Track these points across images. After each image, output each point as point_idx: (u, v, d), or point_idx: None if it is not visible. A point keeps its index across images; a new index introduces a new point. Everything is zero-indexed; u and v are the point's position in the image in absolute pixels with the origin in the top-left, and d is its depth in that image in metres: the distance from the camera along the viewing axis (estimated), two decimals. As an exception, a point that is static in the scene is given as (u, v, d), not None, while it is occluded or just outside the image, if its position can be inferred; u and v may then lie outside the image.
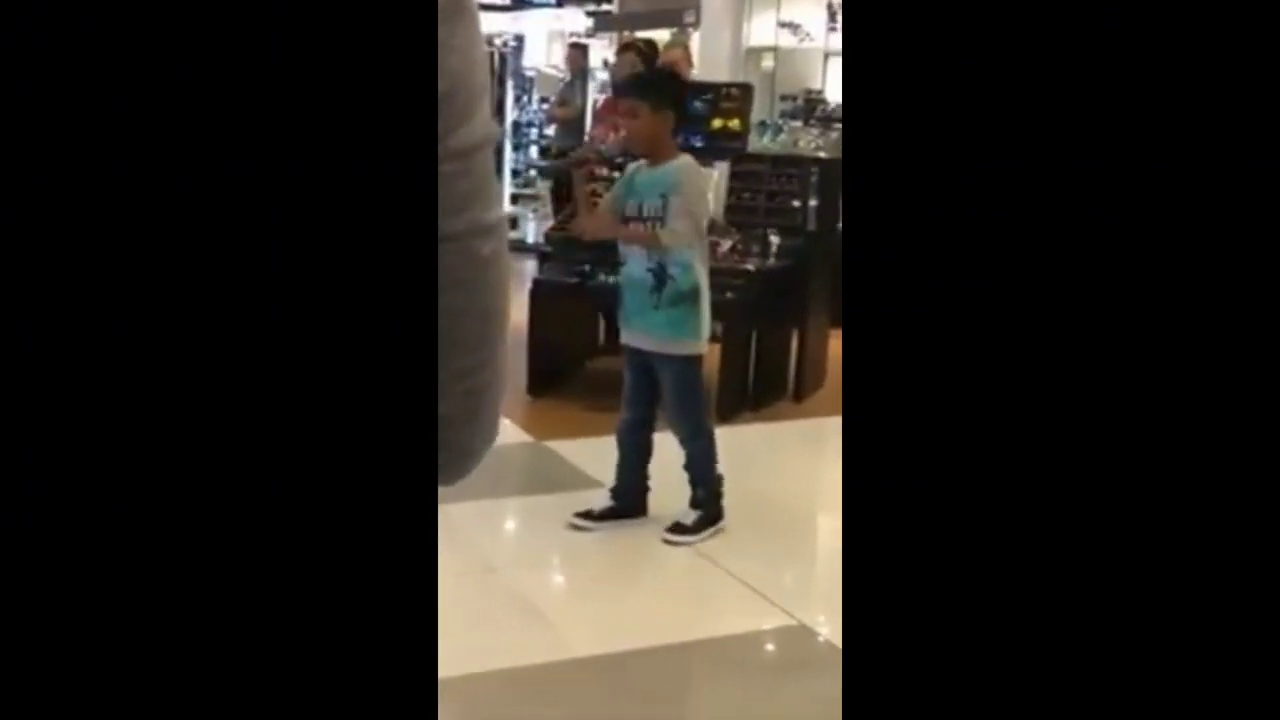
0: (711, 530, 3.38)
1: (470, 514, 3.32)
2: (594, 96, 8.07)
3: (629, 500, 3.45)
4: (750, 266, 4.61)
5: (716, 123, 4.89)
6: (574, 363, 5.18)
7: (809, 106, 9.86)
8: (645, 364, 3.36)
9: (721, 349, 4.29)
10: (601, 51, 10.26)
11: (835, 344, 5.01)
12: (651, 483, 3.47)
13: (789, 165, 5.20)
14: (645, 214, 3.28)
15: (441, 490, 0.59)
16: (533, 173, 10.18)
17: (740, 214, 4.94)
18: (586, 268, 4.58)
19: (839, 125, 7.06)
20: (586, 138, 6.25)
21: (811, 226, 4.96)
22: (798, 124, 7.98)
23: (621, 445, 3.45)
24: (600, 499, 3.48)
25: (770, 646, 2.93)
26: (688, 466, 3.40)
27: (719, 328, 3.99)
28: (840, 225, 4.83)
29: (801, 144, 6.20)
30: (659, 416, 3.43)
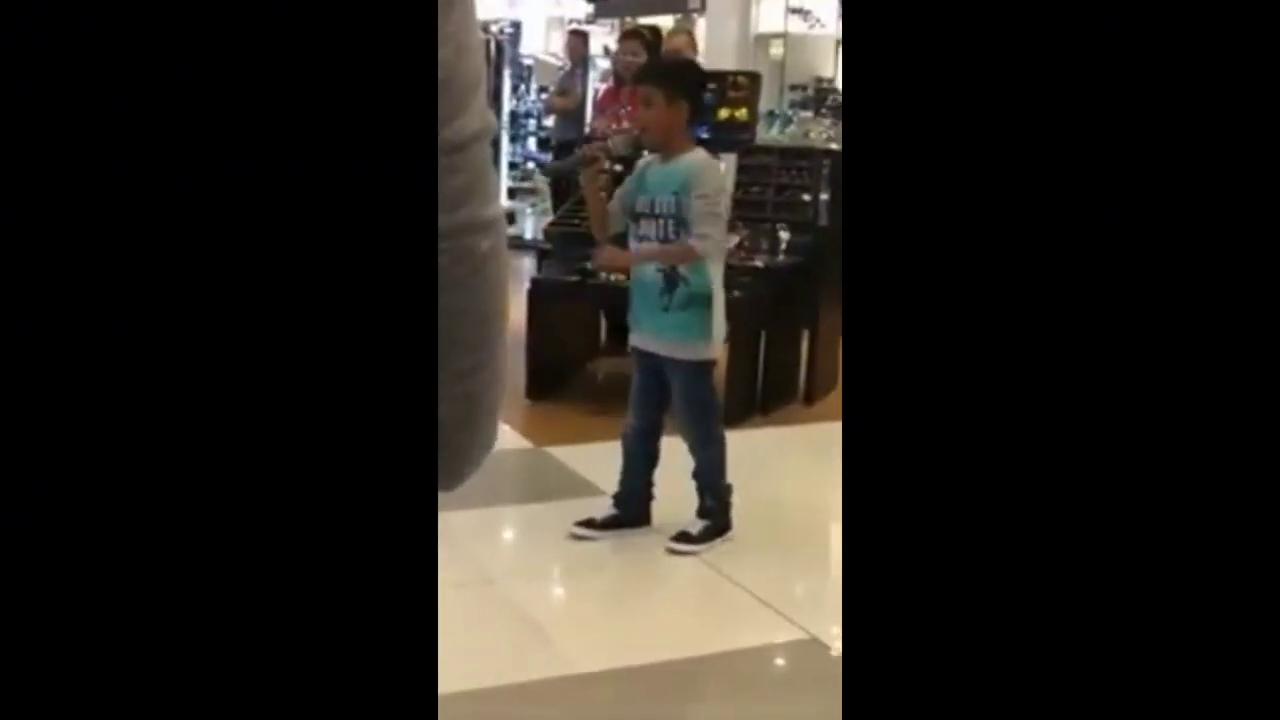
0: (718, 541, 3.37)
1: (467, 523, 3.31)
2: (595, 86, 8.06)
3: (632, 508, 3.44)
4: (758, 264, 4.60)
5: (723, 113, 4.88)
6: (574, 365, 5.18)
7: (820, 96, 9.86)
8: (654, 368, 3.34)
9: (729, 350, 4.30)
10: (602, 39, 10.26)
11: (848, 345, 4.99)
12: (656, 490, 3.46)
13: (799, 157, 5.20)
14: (658, 211, 3.25)
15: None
16: (531, 166, 10.19)
17: (748, 209, 4.92)
18: (587, 266, 4.58)
19: (852, 115, 7.02)
20: (588, 129, 6.26)
21: (823, 221, 4.93)
22: (808, 114, 7.99)
23: (627, 451, 3.44)
24: (602, 507, 3.47)
25: (781, 661, 2.92)
26: (696, 474, 3.39)
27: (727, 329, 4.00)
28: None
29: (812, 135, 6.21)
30: (666, 423, 3.42)
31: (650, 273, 3.29)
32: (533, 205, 9.50)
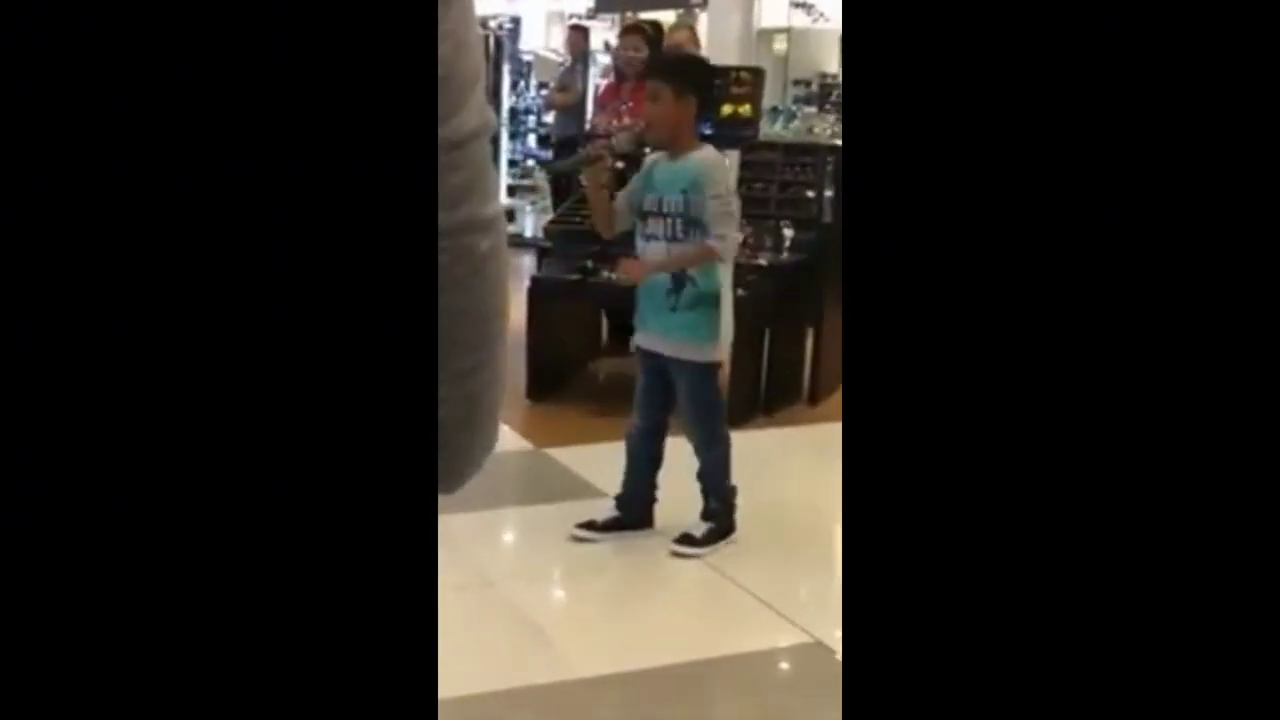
0: (722, 543, 3.38)
1: (466, 525, 3.32)
2: (595, 82, 8.07)
3: (634, 510, 3.45)
4: (762, 261, 4.61)
5: (726, 109, 4.89)
6: (575, 365, 5.18)
7: (824, 91, 9.87)
8: (660, 368, 3.34)
9: (732, 349, 4.30)
10: (603, 34, 10.26)
11: (853, 344, 4.99)
12: (659, 492, 3.47)
13: (803, 154, 5.21)
14: (665, 210, 3.24)
15: (437, 500, 0.60)
16: (531, 163, 10.19)
17: (752, 206, 4.91)
18: (588, 264, 4.58)
19: (856, 111, 7.02)
20: (588, 126, 6.26)
21: (827, 218, 4.95)
22: (812, 110, 8.00)
23: (630, 453, 3.44)
24: (603, 509, 3.48)
25: (785, 665, 2.93)
26: (700, 476, 3.39)
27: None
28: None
29: (816, 131, 6.22)
30: (671, 424, 3.41)
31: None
32: (532, 203, 9.51)
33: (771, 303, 4.53)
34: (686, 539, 3.36)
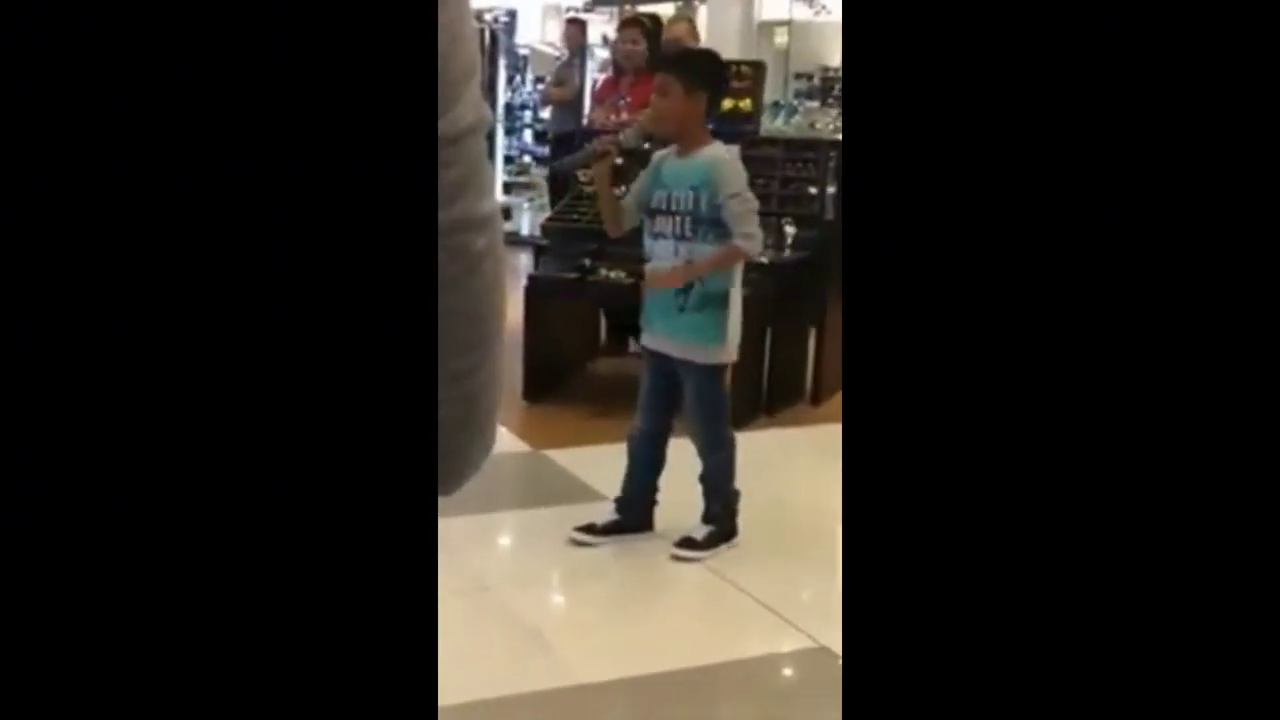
0: (723, 547, 3.38)
1: (462, 529, 3.32)
2: (593, 76, 8.07)
3: (634, 513, 3.45)
4: (763, 259, 4.59)
5: (726, 104, 4.87)
6: (574, 365, 5.19)
7: (826, 85, 9.87)
8: (666, 369, 3.32)
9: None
10: (601, 27, 10.26)
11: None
12: (660, 495, 3.47)
13: (805, 149, 5.20)
14: (674, 208, 3.22)
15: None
16: (527, 159, 10.18)
17: (752, 203, 4.93)
18: (586, 262, 4.58)
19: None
20: (586, 121, 6.26)
21: (829, 215, 4.95)
22: (814, 104, 7.99)
23: (632, 455, 3.43)
24: (603, 512, 3.48)
25: (788, 671, 2.94)
26: (704, 478, 3.38)
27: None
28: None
29: (818, 126, 6.20)
30: (675, 426, 3.41)
31: (665, 269, 3.26)
32: (529, 200, 9.50)
33: (773, 301, 4.53)
34: (687, 543, 3.36)
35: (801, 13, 10.68)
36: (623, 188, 3.55)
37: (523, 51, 11.13)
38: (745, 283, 4.17)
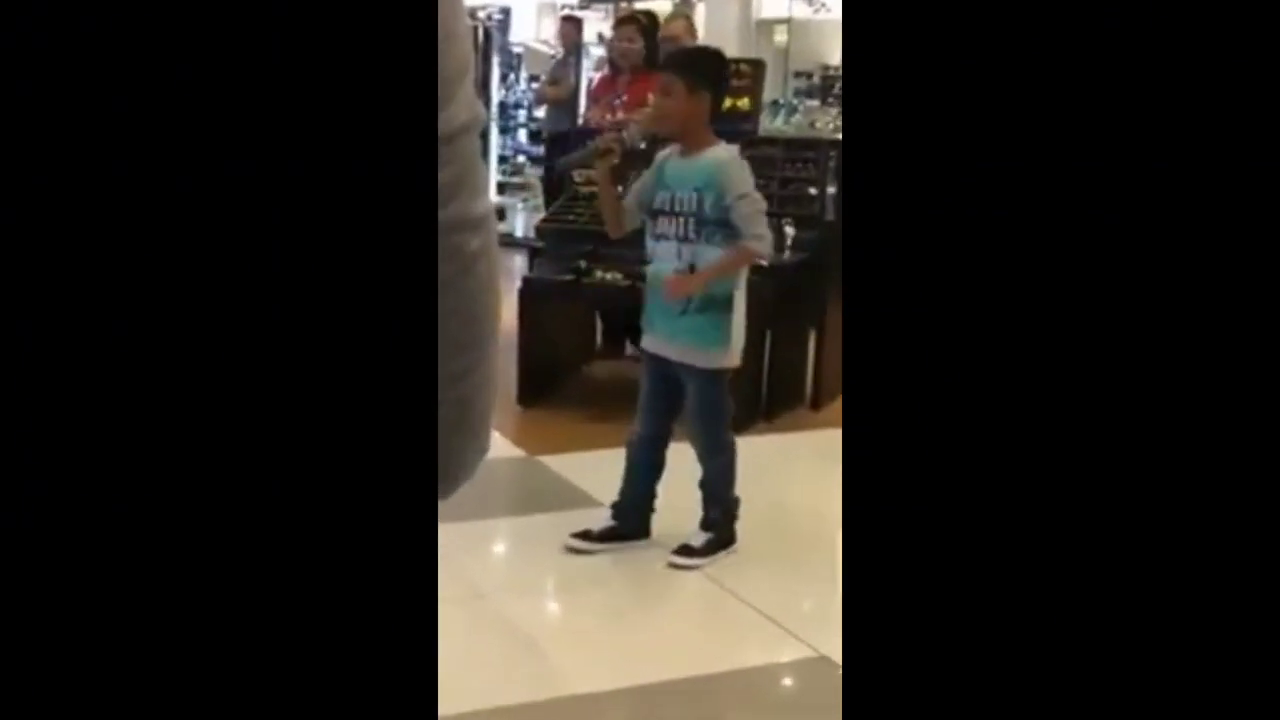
0: (722, 554, 3.37)
1: (456, 536, 3.30)
2: (588, 74, 8.08)
3: (632, 520, 3.44)
4: (762, 261, 4.61)
5: (725, 103, 4.89)
6: (569, 369, 5.19)
7: (826, 84, 9.87)
8: (666, 373, 3.31)
9: (735, 352, 4.30)
10: (597, 24, 10.26)
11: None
12: (657, 502, 3.46)
13: (804, 149, 5.20)
14: (677, 208, 3.21)
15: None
16: (521, 159, 10.18)
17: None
18: (582, 264, 4.58)
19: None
20: (581, 120, 6.27)
21: (829, 216, 4.94)
22: (814, 103, 7.99)
23: (630, 460, 3.42)
24: (599, 518, 3.47)
25: (788, 681, 2.93)
26: (703, 484, 3.38)
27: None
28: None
29: (818, 125, 6.21)
30: (675, 431, 3.40)
31: (667, 271, 3.25)
32: (524, 200, 9.50)
33: (772, 303, 4.52)
34: (685, 550, 3.35)
35: (801, 10, 10.67)
36: (619, 188, 3.54)
37: (517, 49, 11.13)
38: (744, 285, 4.19)
